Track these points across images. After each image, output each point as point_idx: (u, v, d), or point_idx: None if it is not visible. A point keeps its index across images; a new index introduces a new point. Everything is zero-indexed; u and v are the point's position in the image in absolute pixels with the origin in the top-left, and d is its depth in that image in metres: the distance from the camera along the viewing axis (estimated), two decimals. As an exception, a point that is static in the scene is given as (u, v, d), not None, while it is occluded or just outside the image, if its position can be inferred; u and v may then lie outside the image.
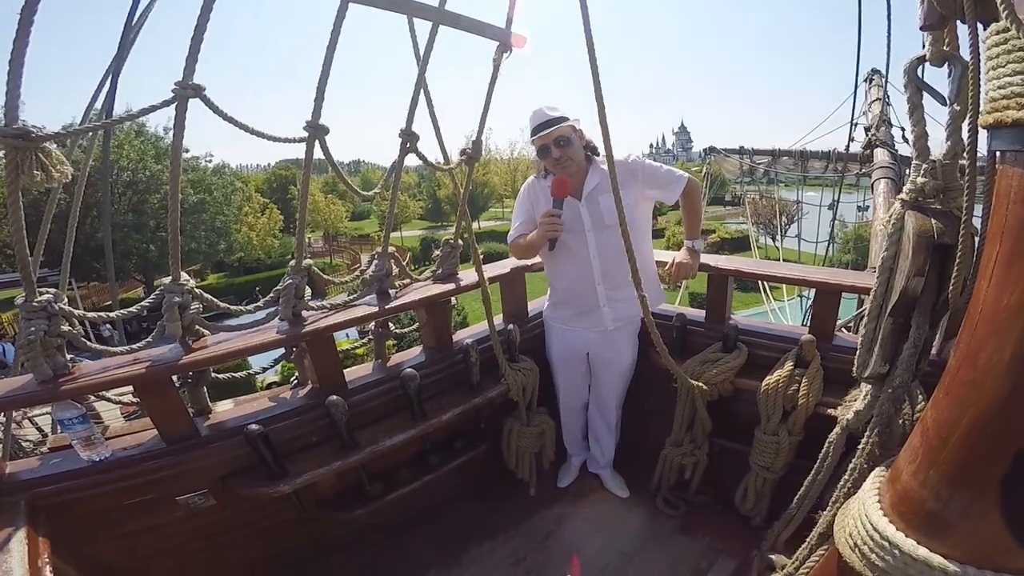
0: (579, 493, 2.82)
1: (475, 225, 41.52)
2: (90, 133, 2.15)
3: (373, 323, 2.36)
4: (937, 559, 0.82)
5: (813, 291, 2.24)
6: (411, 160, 2.03)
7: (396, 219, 2.18)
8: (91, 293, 24.07)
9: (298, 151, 1.68)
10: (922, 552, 0.83)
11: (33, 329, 1.49)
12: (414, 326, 2.70)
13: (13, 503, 1.54)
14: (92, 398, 2.13)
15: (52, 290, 1.58)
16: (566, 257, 2.34)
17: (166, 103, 1.39)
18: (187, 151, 24.31)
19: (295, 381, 2.30)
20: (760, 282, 6.91)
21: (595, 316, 2.40)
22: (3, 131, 1.26)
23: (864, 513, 0.94)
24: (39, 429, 5.74)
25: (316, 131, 1.63)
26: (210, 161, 26.91)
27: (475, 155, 2.22)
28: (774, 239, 16.80)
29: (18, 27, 1.20)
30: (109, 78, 2.09)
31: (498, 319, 2.67)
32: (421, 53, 1.89)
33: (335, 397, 1.97)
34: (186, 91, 1.38)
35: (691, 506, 2.61)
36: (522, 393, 2.49)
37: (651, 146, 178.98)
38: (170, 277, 1.71)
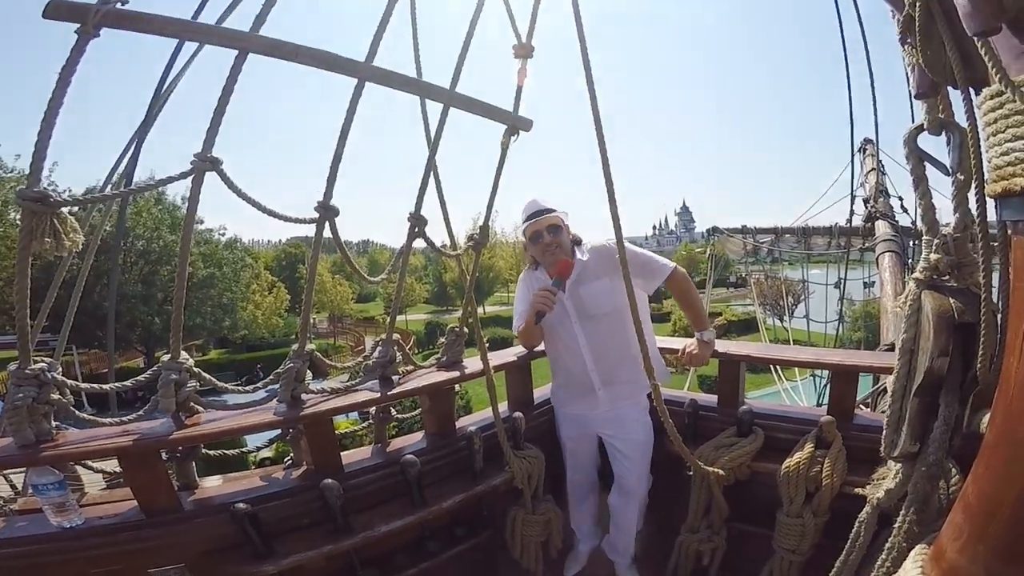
0: (587, 583, 2.63)
1: (480, 310, 41.54)
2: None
3: (374, 407, 2.32)
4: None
5: (827, 371, 2.20)
6: (419, 242, 2.05)
7: (401, 303, 2.17)
8: (90, 360, 23.89)
9: (308, 229, 1.70)
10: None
11: (21, 396, 1.48)
12: (416, 411, 2.66)
13: None
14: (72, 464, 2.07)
15: (47, 359, 1.57)
16: (558, 345, 2.42)
17: (183, 175, 1.43)
18: (201, 222, 24.88)
19: (289, 461, 2.22)
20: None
21: (592, 399, 2.39)
22: (22, 193, 1.28)
23: None
24: (12, 487, 5.53)
25: (327, 212, 1.67)
26: (223, 234, 27.41)
27: (482, 241, 2.26)
28: (781, 319, 16.73)
29: (54, 91, 1.25)
30: (133, 145, 2.13)
31: (503, 406, 2.62)
32: (432, 134, 1.97)
33: (330, 480, 1.89)
34: (204, 164, 1.43)
35: None
36: (527, 481, 2.40)
37: (654, 227, 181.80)
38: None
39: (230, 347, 31.88)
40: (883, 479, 1.53)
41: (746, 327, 29.58)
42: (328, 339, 35.11)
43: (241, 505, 1.76)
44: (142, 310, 22.15)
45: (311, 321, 1.97)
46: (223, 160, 1.43)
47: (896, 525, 1.16)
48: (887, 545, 1.17)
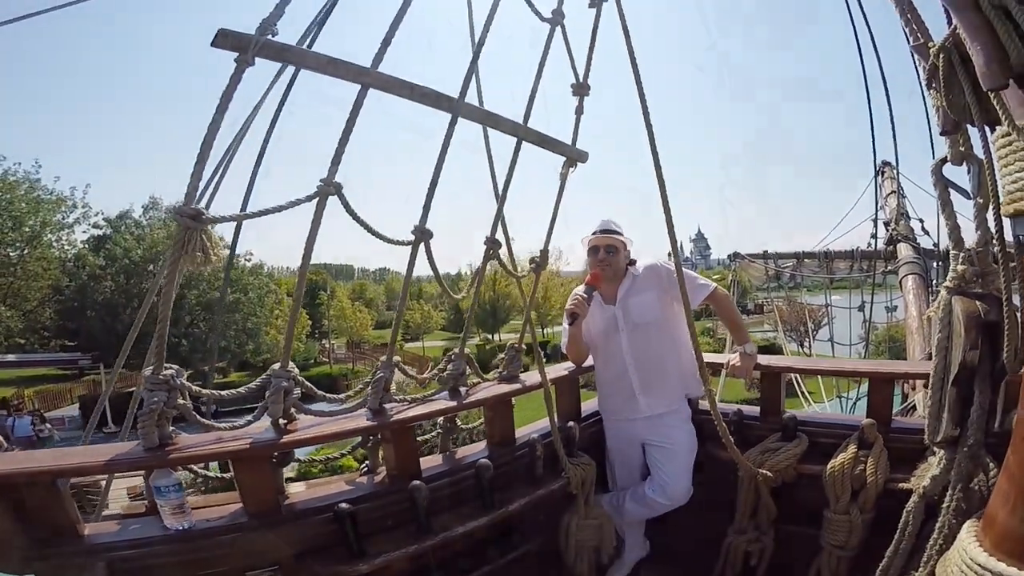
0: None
1: (496, 336, 41.36)
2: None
3: (441, 418, 2.51)
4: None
5: (855, 392, 2.35)
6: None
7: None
8: (118, 380, 24.27)
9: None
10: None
11: (156, 400, 1.61)
12: (478, 422, 2.83)
13: (93, 564, 1.58)
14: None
15: (175, 366, 1.71)
16: (605, 354, 2.69)
17: (309, 198, 1.58)
18: (227, 247, 25.23)
19: (365, 467, 2.39)
20: (797, 386, 6.80)
21: (633, 404, 2.60)
22: (180, 210, 1.41)
23: (968, 558, 1.01)
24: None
25: (423, 235, 1.87)
26: (249, 260, 27.95)
27: (542, 264, 2.50)
28: (801, 345, 16.51)
29: (214, 116, 1.42)
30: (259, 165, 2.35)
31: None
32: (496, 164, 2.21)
33: (418, 482, 2.05)
34: (328, 188, 1.58)
35: None
36: (581, 487, 2.55)
37: (668, 255, 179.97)
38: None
39: (251, 370, 32.18)
40: (927, 471, 1.69)
41: (766, 351, 29.14)
42: (347, 364, 35.35)
43: (344, 505, 1.90)
44: (171, 332, 22.52)
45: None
46: (343, 185, 1.61)
47: (944, 505, 1.32)
48: (937, 524, 1.32)
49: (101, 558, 1.60)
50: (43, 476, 1.53)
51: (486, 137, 2.27)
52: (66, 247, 25.82)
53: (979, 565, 0.98)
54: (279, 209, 1.60)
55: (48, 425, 17.41)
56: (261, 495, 1.89)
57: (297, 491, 2.13)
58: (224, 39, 1.43)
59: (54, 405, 22.41)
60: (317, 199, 1.61)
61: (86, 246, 26.02)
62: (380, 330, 50.33)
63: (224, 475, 2.20)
